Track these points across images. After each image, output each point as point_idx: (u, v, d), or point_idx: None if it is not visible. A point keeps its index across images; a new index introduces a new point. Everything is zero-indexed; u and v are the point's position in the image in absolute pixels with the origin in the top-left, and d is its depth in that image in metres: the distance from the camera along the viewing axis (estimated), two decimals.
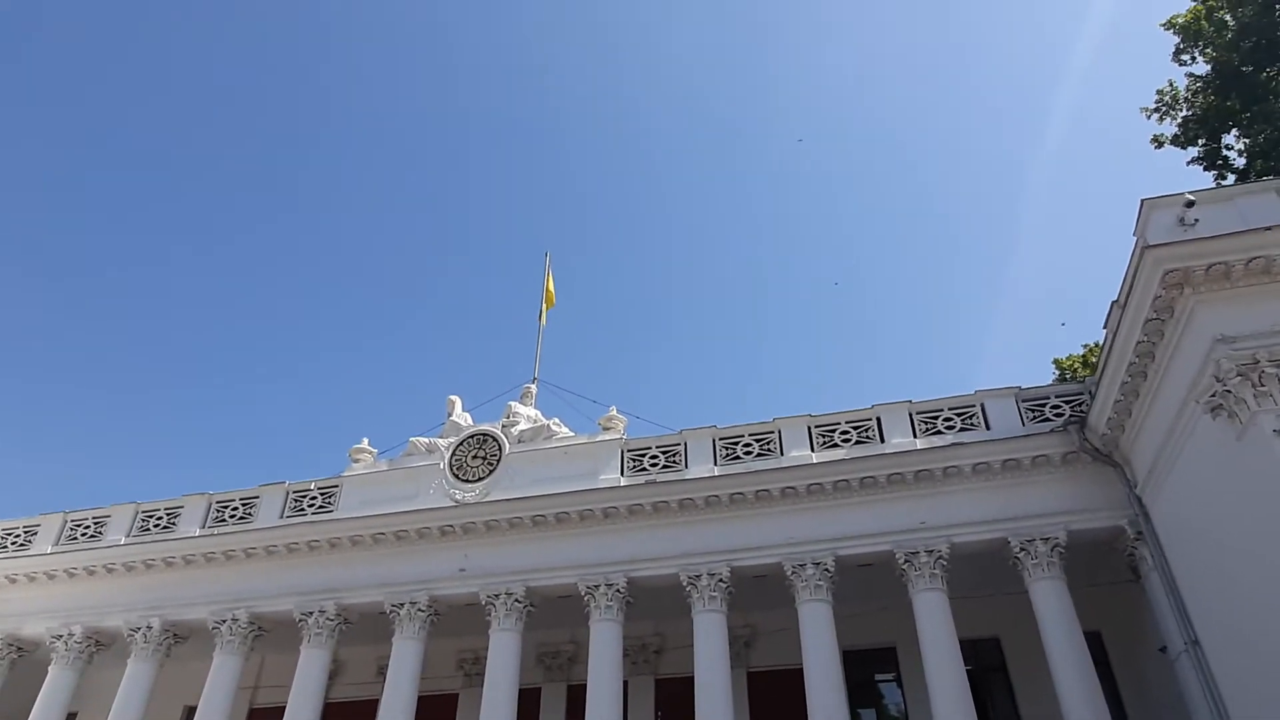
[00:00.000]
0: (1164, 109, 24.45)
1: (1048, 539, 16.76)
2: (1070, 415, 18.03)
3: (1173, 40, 23.23)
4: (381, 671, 22.42)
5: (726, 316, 62.66)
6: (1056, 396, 18.65)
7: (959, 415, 18.81)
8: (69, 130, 56.46)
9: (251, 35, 58.76)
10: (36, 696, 20.75)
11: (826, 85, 61.20)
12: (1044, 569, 16.58)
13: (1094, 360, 31.04)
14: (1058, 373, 31.00)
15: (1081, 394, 18.51)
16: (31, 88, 53.78)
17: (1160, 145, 24.79)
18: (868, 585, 18.61)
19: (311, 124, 61.68)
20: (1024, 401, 18.65)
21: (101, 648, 21.40)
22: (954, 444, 18.09)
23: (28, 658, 22.02)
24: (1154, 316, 13.78)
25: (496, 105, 62.61)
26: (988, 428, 18.42)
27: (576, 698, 21.37)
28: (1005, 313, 58.15)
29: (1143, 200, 14.30)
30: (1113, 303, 16.37)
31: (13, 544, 23.16)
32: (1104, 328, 17.29)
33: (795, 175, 62.26)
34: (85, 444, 60.04)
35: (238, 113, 60.05)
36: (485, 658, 21.92)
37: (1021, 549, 16.84)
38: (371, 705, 22.26)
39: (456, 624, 20.33)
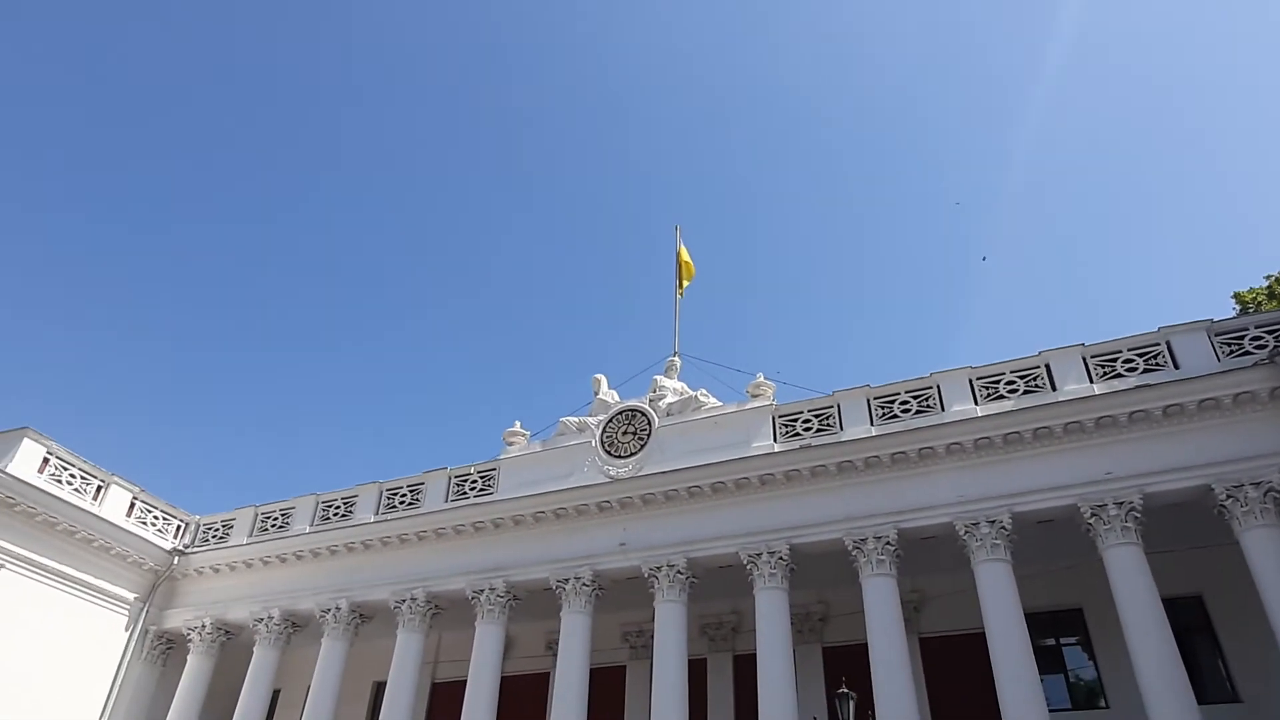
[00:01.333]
0: None
1: (1259, 483, 15.14)
2: (1275, 346, 16.21)
3: None
4: (550, 646, 23.21)
5: (860, 278, 60.62)
6: (1256, 327, 16.85)
7: (1141, 356, 17.29)
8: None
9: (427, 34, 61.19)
10: (242, 676, 22.62)
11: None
12: (1256, 516, 15.00)
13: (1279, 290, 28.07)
14: (1238, 308, 28.09)
15: None
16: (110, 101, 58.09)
17: None
18: (1048, 543, 17.54)
19: (461, 115, 63.82)
20: (1217, 335, 16.96)
21: (297, 629, 23.04)
22: (1139, 386, 16.64)
23: (234, 640, 24.02)
24: None
25: (624, 85, 62.70)
26: (1176, 367, 16.83)
27: (741, 668, 21.36)
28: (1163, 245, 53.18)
29: None
30: None
31: (214, 537, 25.29)
32: None
33: (918, 131, 59.16)
34: (261, 436, 64.91)
35: (395, 108, 62.83)
36: (649, 630, 22.24)
37: (1229, 496, 15.28)
38: (543, 679, 23.22)
39: (619, 598, 20.62)
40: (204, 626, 23.50)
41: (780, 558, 18.12)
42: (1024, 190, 56.75)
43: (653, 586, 19.14)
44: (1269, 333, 16.56)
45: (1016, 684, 15.22)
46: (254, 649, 22.69)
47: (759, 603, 17.96)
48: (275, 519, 24.82)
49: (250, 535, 24.70)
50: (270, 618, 22.75)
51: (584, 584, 19.65)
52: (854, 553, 17.59)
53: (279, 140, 61.74)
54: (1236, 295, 29.14)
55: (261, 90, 60.30)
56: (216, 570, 24.44)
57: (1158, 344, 17.30)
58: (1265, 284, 29.14)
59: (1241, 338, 16.75)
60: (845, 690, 14.24)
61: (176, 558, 24.49)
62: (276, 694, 24.86)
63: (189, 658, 23.34)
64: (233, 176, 61.16)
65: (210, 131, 59.82)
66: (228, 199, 61.25)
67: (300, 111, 61.45)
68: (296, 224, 63.14)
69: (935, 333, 57.60)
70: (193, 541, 25.35)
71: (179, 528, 25.41)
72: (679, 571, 18.91)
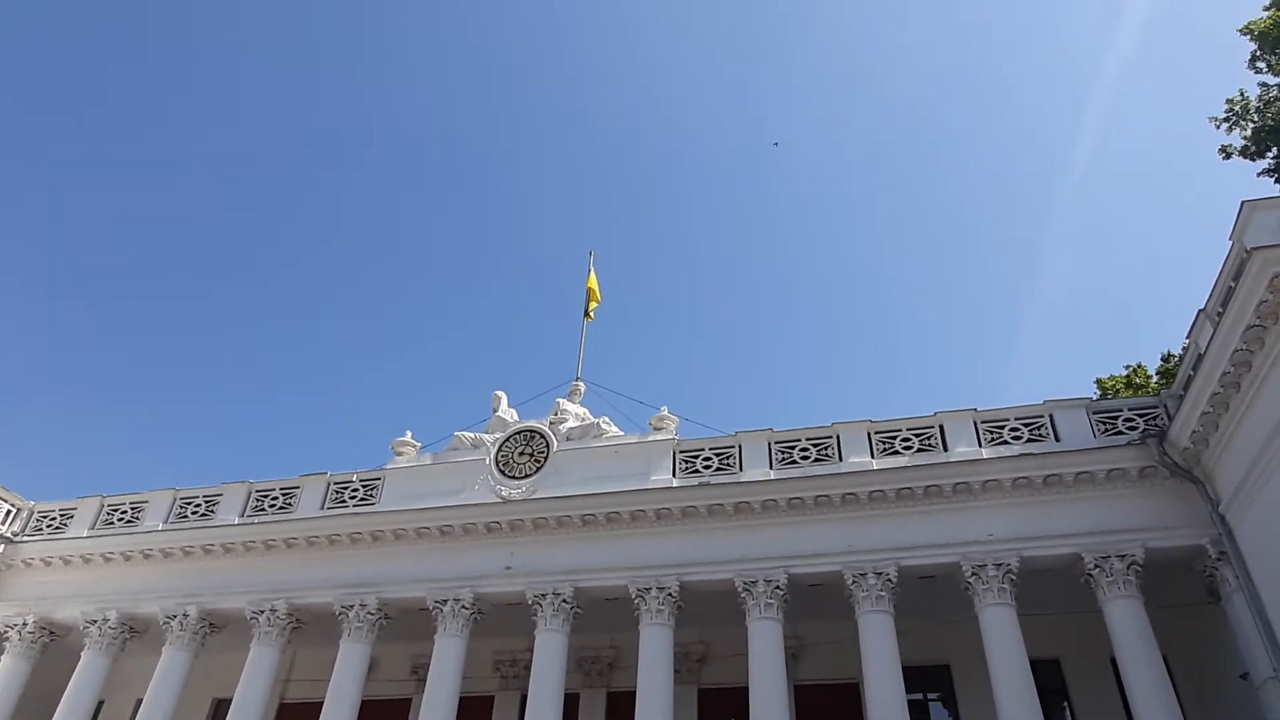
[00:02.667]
0: (1234, 119, 23.75)
1: (1124, 556, 16.07)
2: (1145, 429, 17.38)
3: (1248, 46, 22.55)
4: (416, 670, 22.08)
5: (771, 321, 62.02)
6: (1130, 410, 18.03)
7: (1026, 426, 18.17)
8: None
9: (283, 44, 58.92)
10: (66, 682, 20.39)
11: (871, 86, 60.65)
12: (1120, 587, 15.88)
13: (1137, 381, 30.37)
14: (1099, 393, 30.17)
15: (1155, 408, 17.90)
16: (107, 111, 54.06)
17: (1228, 156, 24.09)
18: (920, 600, 17.98)
19: (355, 123, 61.73)
20: (1095, 414, 18.05)
21: (135, 634, 21.02)
22: (1023, 454, 17.46)
23: (59, 642, 21.67)
24: (1257, 323, 13.14)
25: (534, 106, 62.50)
26: (1057, 439, 17.78)
27: (616, 705, 20.88)
28: (1031, 328, 57.18)
29: (1243, 202, 13.75)
30: (1200, 311, 15.78)
31: (49, 527, 22.88)
32: (1187, 337, 16.73)
33: (830, 173, 61.68)
34: (123, 431, 59.95)
35: (280, 118, 60.21)
36: (524, 659, 21.51)
37: (1096, 566, 16.15)
38: (403, 705, 22.01)
39: (494, 625, 19.83)
40: (25, 624, 21.09)
41: (669, 594, 17.89)
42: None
43: (535, 614, 18.50)
44: (1141, 416, 17.74)
45: None
46: (82, 653, 20.50)
47: (644, 638, 17.63)
48: (124, 512, 22.68)
49: (92, 528, 22.47)
50: (105, 620, 20.65)
51: (463, 606, 18.79)
52: (743, 594, 17.55)
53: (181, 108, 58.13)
54: (1099, 381, 31.38)
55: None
56: (48, 563, 22.05)
57: (1041, 416, 18.23)
58: (1124, 373, 31.57)
59: (1116, 418, 17.87)
60: None
61: (3, 545, 21.98)
62: (99, 706, 22.50)
63: (4, 658, 20.87)
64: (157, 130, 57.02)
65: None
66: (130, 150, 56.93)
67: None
68: (187, 197, 59.24)
69: (838, 382, 59.43)
70: (24, 529, 22.83)
71: (10, 513, 22.83)
72: (564, 600, 18.36)
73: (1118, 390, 29.05)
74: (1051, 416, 18.13)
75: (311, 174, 61.82)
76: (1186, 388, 16.74)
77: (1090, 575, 16.25)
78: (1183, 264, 52.31)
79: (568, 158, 64.64)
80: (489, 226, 63.89)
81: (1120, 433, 17.60)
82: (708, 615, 19.03)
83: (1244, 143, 23.79)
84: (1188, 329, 16.35)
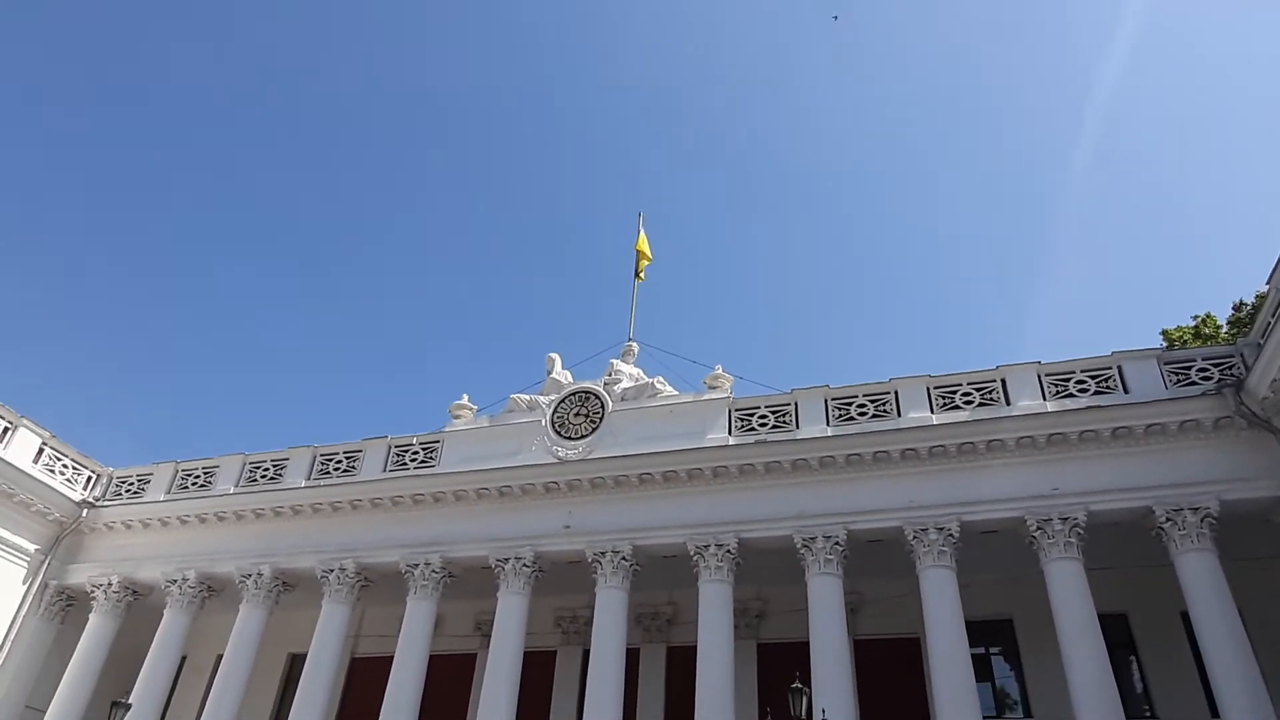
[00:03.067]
0: None
1: (1198, 509, 15.62)
2: (1220, 379, 16.78)
3: None
4: (480, 626, 22.61)
5: (823, 278, 61.16)
6: (1204, 359, 17.43)
7: (1093, 378, 17.69)
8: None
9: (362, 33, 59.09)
10: (148, 640, 21.38)
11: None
12: (1193, 540, 15.46)
13: (1206, 331, 29.30)
14: (1165, 344, 29.18)
15: (1230, 357, 17.26)
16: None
17: None
18: (982, 555, 17.74)
19: (411, 92, 61.89)
20: (1166, 364, 17.49)
21: (213, 593, 21.89)
22: (1090, 406, 17.02)
23: (141, 602, 22.69)
24: None
25: (583, 67, 61.85)
26: (1126, 391, 17.28)
27: (675, 660, 21.16)
28: (1089, 281, 55.39)
29: None
30: None
31: (127, 491, 23.85)
32: (1268, 283, 16.04)
33: (879, 128, 60.14)
34: (191, 399, 62.05)
35: (348, 83, 60.68)
36: (584, 616, 21.95)
37: (1168, 519, 15.74)
38: (469, 659, 22.58)
39: (555, 583, 20.17)
40: (110, 584, 22.11)
41: (728, 551, 17.96)
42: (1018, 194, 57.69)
43: (595, 572, 18.77)
44: (1215, 365, 17.13)
45: (953, 689, 15.39)
46: (164, 611, 21.46)
47: (703, 595, 17.77)
48: (197, 477, 23.53)
49: (168, 492, 23.37)
50: (185, 579, 21.55)
51: (524, 565, 19.14)
52: (802, 551, 17.54)
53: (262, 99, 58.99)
54: (1164, 333, 30.35)
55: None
56: (129, 526, 23.05)
57: (1109, 368, 17.72)
58: (1191, 324, 30.46)
59: (1189, 368, 17.28)
60: (799, 685, 14.15)
61: (85, 510, 23.01)
62: (182, 661, 23.58)
63: (91, 616, 21.93)
64: (181, 107, 58.15)
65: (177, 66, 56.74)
66: (180, 129, 58.14)
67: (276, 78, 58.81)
68: (254, 176, 60.38)
69: (896, 338, 58.56)
70: (104, 494, 23.86)
71: (90, 479, 23.88)
72: (624, 558, 18.58)
73: (1185, 342, 28.06)
74: (1120, 368, 17.61)
75: (373, 147, 62.32)
76: (1266, 335, 16.11)
77: (1162, 529, 15.84)
78: (1248, 211, 50.09)
79: (616, 118, 64.00)
80: (540, 191, 63.88)
81: (1193, 383, 17.02)
82: (765, 572, 19.08)
83: None
84: (1269, 274, 15.65)
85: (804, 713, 13.80)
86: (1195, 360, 17.43)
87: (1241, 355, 16.97)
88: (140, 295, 59.55)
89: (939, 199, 59.06)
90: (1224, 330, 28.90)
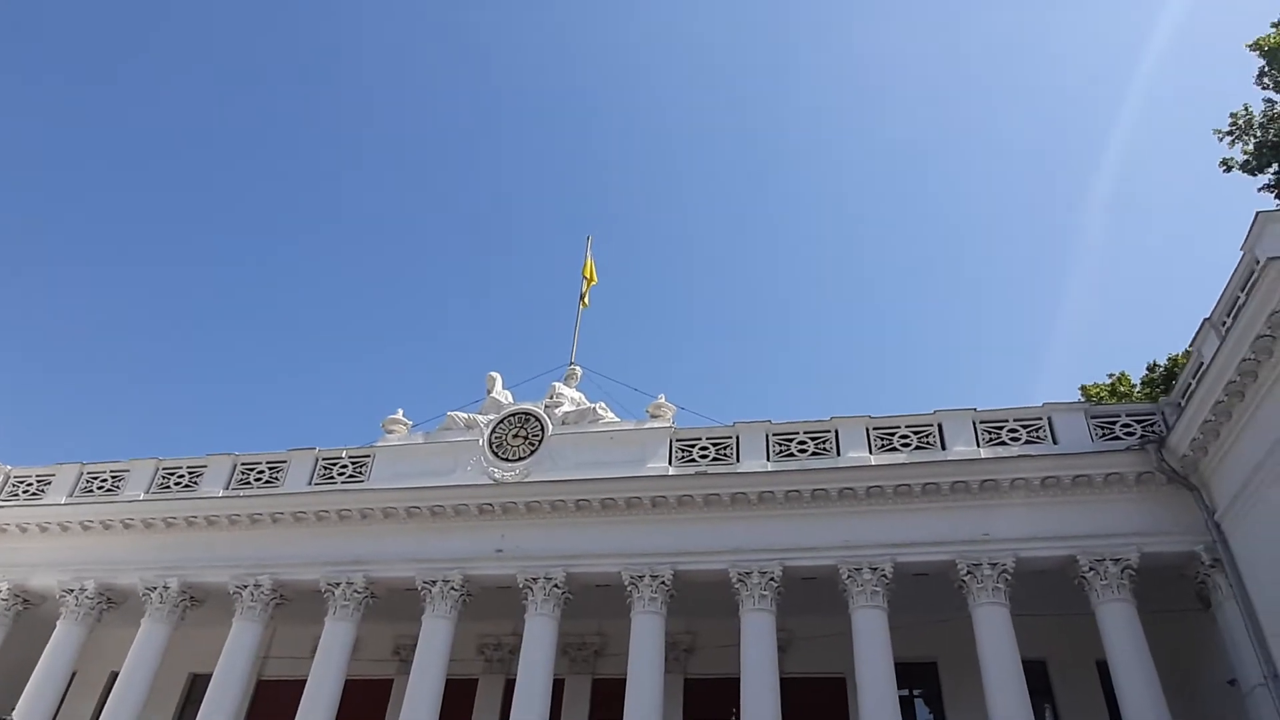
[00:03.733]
0: (1236, 133, 23.88)
1: (1119, 559, 16.13)
2: (1143, 434, 17.46)
3: (1256, 62, 22.67)
4: (398, 651, 21.83)
5: (768, 313, 61.99)
6: (1128, 415, 18.10)
7: (1025, 427, 18.19)
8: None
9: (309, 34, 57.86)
10: (37, 652, 19.91)
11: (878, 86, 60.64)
12: (1114, 590, 15.94)
13: (1121, 389, 30.67)
14: (1083, 399, 30.41)
15: (1152, 414, 17.98)
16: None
17: (1229, 169, 24.21)
18: (910, 595, 17.95)
19: (355, 107, 60.79)
20: (1093, 418, 18.11)
21: (113, 605, 20.56)
22: (1021, 455, 17.48)
23: (33, 611, 21.16)
24: (1267, 333, 13.17)
25: (534, 91, 61.86)
26: (1055, 442, 17.82)
27: (601, 691, 20.78)
28: (1022, 333, 57.61)
29: (1258, 213, 13.81)
30: (1205, 320, 15.85)
31: (25, 493, 22.32)
32: (1191, 345, 16.80)
33: (830, 167, 61.64)
34: (105, 401, 58.81)
35: (282, 101, 59.17)
36: (508, 643, 21.45)
37: (1090, 568, 16.20)
38: (384, 685, 21.74)
39: (478, 608, 19.56)
40: None
41: (663, 582, 17.75)
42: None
43: (525, 598, 18.29)
44: (1138, 422, 17.81)
45: None
46: (57, 622, 20.02)
47: (635, 626, 17.48)
48: (104, 481, 22.16)
49: (70, 495, 21.94)
50: (82, 589, 20.18)
51: (452, 588, 18.54)
52: (737, 585, 17.46)
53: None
54: (1083, 388, 31.64)
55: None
56: (24, 530, 21.51)
57: (1040, 418, 18.26)
58: (1108, 381, 31.85)
59: (1114, 423, 17.93)
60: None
61: None
62: (72, 676, 21.99)
63: None
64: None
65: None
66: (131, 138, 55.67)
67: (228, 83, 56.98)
68: (177, 178, 58.14)
69: (834, 378, 59.59)
70: None
71: None
72: (556, 585, 18.17)
73: (1102, 398, 29.28)
74: (1050, 419, 18.17)
75: (311, 156, 60.96)
76: (1186, 395, 16.85)
77: (1084, 578, 16.29)
78: (1170, 276, 52.95)
79: (566, 144, 64.09)
80: (487, 210, 63.33)
81: (1117, 438, 17.66)
82: (696, 606, 18.90)
83: (1245, 157, 23.92)
84: (1191, 338, 16.42)
85: None
86: (1120, 416, 18.11)
87: (1163, 413, 17.70)
88: (56, 289, 56.60)
89: (882, 240, 60.77)
90: (1137, 389, 30.28)
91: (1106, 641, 15.79)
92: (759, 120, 61.54)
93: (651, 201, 63.05)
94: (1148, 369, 30.93)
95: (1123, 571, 16.06)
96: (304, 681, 20.54)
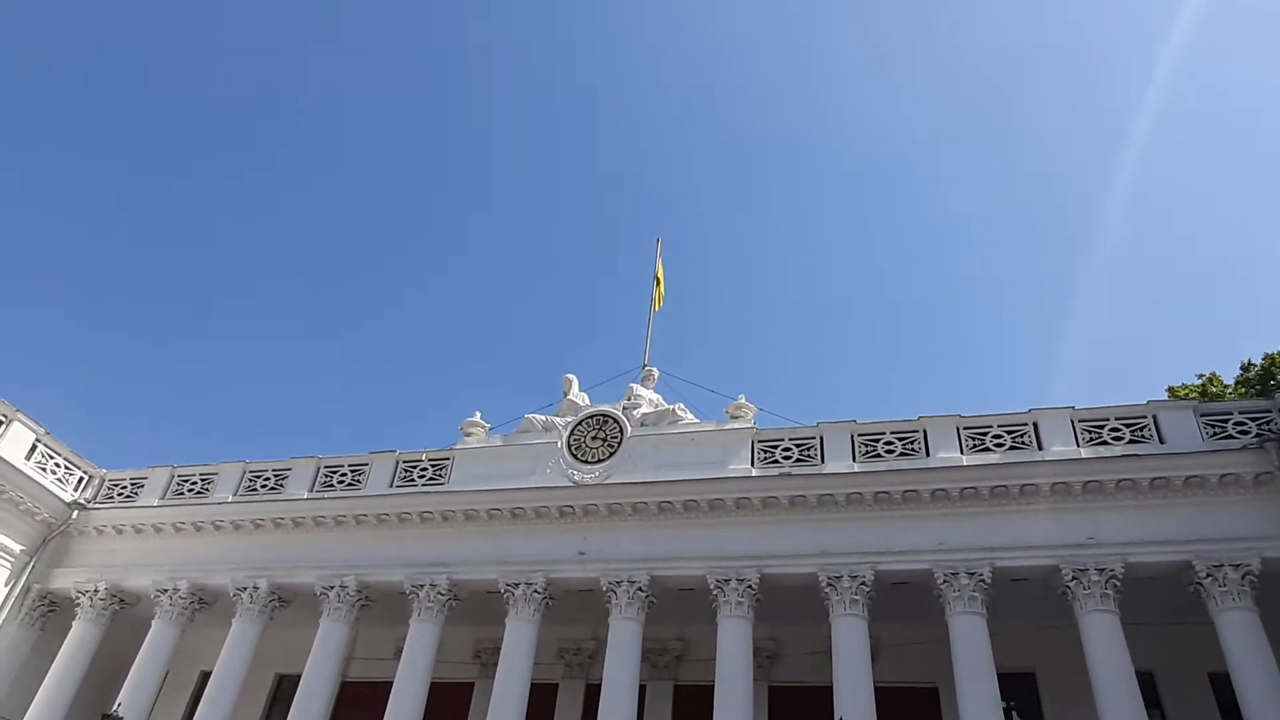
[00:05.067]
0: None
1: (1238, 565, 15.21)
2: (1257, 433, 16.50)
3: None
4: (478, 655, 21.84)
5: (847, 313, 61.09)
6: (1241, 413, 17.14)
7: (1128, 426, 17.37)
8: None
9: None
10: (129, 652, 20.43)
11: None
12: (1234, 598, 15.03)
13: (1213, 390, 29.29)
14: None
15: (1268, 411, 16.98)
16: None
17: None
18: (1006, 603, 17.22)
19: (442, 109, 61.90)
20: (1203, 416, 17.19)
21: (204, 605, 20.99)
22: (1127, 455, 16.66)
23: (127, 610, 21.74)
24: None
25: (612, 88, 61.91)
26: (1162, 441, 16.95)
27: (682, 698, 20.45)
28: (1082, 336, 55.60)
29: None
30: None
31: (119, 495, 23.00)
32: None
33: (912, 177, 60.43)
34: (191, 403, 60.84)
35: (363, 83, 60.66)
36: (587, 648, 21.29)
37: (1208, 575, 15.31)
38: (465, 689, 21.71)
39: (558, 612, 19.38)
40: (96, 591, 21.17)
41: (749, 586, 17.36)
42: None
43: (609, 601, 18.10)
44: (1252, 419, 16.84)
45: None
46: (152, 622, 20.51)
47: (722, 631, 17.13)
48: (193, 483, 22.71)
49: (163, 497, 22.52)
50: (176, 590, 20.65)
51: (535, 591, 18.44)
52: (826, 590, 16.99)
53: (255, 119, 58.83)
54: (1170, 389, 30.26)
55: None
56: (120, 531, 22.16)
57: (1144, 417, 17.41)
58: (1198, 382, 30.41)
59: (1225, 421, 16.99)
60: None
61: (76, 512, 22.11)
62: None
63: (75, 623, 20.93)
64: (205, 141, 57.81)
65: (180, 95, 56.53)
66: (195, 160, 57.73)
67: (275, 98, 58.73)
68: (265, 192, 59.99)
69: (920, 377, 58.35)
70: (95, 496, 22.98)
71: (82, 480, 22.99)
72: (640, 589, 17.93)
73: (1193, 399, 27.98)
74: (1155, 417, 17.32)
75: (402, 162, 62.10)
76: None
77: (1201, 584, 15.40)
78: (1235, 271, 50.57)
79: (642, 139, 64.01)
80: (562, 212, 63.70)
81: (1231, 436, 16.73)
82: (778, 612, 18.46)
83: None
84: None
85: None
86: (1232, 413, 17.15)
87: (1279, 410, 16.72)
88: (145, 296, 58.82)
89: (967, 238, 59.29)
90: (1229, 390, 28.86)
91: (1227, 651, 14.88)
92: (834, 110, 60.69)
93: (726, 199, 62.74)
94: (1241, 368, 29.55)
95: (1243, 578, 15.14)
96: (386, 683, 20.73)
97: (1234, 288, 52.42)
